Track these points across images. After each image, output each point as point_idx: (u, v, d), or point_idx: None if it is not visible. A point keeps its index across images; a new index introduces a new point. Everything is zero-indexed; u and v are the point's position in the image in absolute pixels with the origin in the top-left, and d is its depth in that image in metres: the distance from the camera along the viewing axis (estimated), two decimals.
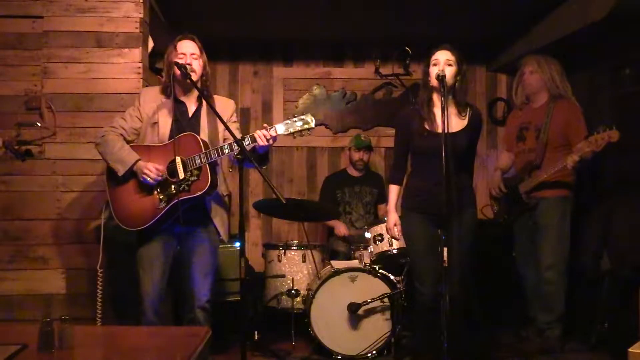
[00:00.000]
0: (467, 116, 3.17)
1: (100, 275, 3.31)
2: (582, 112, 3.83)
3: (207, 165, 2.88)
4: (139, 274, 2.99)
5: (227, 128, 2.84)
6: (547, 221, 3.78)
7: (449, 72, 3.05)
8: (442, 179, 2.88)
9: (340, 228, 4.62)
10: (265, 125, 2.91)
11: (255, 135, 2.87)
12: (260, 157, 2.94)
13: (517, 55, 4.86)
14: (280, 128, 2.89)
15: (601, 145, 3.43)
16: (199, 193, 2.88)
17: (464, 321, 3.22)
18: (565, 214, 3.79)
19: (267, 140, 2.85)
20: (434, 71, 3.07)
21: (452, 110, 3.12)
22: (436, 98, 3.14)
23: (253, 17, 4.61)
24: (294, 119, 2.89)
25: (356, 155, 4.85)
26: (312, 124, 2.88)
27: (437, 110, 3.08)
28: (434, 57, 3.13)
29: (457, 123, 3.14)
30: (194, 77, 2.95)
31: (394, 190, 3.31)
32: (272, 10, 4.45)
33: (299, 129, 2.88)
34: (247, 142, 2.87)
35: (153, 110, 3.05)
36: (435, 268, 3.07)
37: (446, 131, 2.93)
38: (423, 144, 3.14)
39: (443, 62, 3.08)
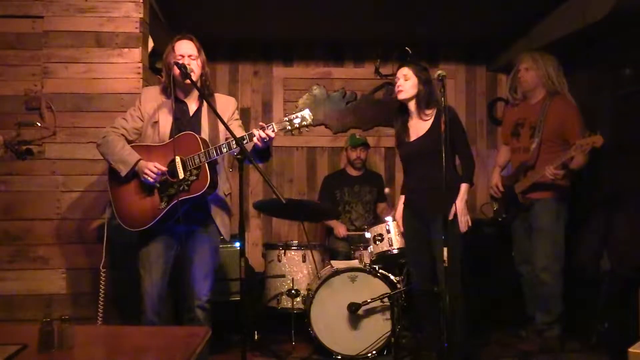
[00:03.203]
0: (431, 117, 3.37)
1: (103, 274, 3.32)
2: (577, 109, 3.81)
3: (206, 164, 2.88)
4: (140, 273, 3.00)
5: (227, 128, 2.84)
6: (541, 223, 3.78)
7: (408, 85, 3.35)
8: (421, 181, 3.35)
9: (340, 229, 4.63)
10: (261, 123, 2.88)
11: (253, 133, 2.85)
12: (260, 152, 2.93)
13: (517, 55, 4.85)
14: (277, 127, 2.85)
15: (586, 149, 3.47)
16: (198, 193, 2.87)
17: (461, 319, 3.23)
18: (559, 216, 3.78)
19: (264, 140, 2.84)
20: (396, 88, 3.41)
21: (416, 118, 3.40)
22: (407, 109, 3.44)
23: (253, 17, 4.60)
24: (292, 116, 2.85)
25: (353, 154, 4.86)
26: (310, 120, 2.84)
27: (410, 121, 3.44)
28: (396, 76, 3.43)
29: (421, 127, 3.39)
30: (193, 77, 2.94)
31: (401, 200, 3.62)
32: (272, 10, 4.45)
33: (297, 126, 2.84)
34: (245, 141, 2.85)
35: (154, 109, 3.05)
36: (421, 263, 3.40)
37: (411, 139, 3.40)
38: (401, 152, 3.53)
39: (402, 77, 3.37)
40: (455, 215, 3.24)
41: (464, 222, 3.28)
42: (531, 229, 3.84)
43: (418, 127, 3.39)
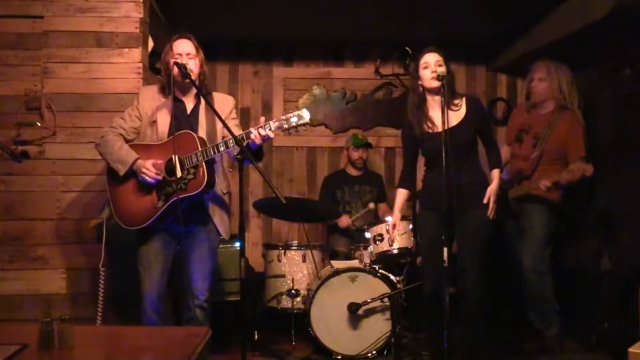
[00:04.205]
0: (464, 105, 3.23)
1: (102, 274, 3.32)
2: (584, 127, 3.79)
3: (203, 163, 2.88)
4: (139, 272, 3.00)
5: (225, 126, 2.84)
6: (528, 225, 3.80)
7: (441, 71, 3.10)
8: (451, 175, 2.98)
9: (342, 218, 4.63)
10: (262, 118, 2.88)
11: (251, 132, 2.86)
12: (254, 152, 2.92)
13: (517, 55, 4.87)
14: (274, 126, 2.85)
15: (577, 175, 3.49)
16: (195, 191, 2.88)
17: (482, 322, 3.23)
18: (548, 220, 3.78)
19: (263, 139, 2.84)
20: (425, 74, 3.16)
21: (441, 109, 3.12)
22: (430, 99, 3.23)
23: (253, 17, 4.60)
24: (289, 115, 2.85)
25: (355, 154, 4.86)
26: (307, 119, 2.83)
27: (433, 112, 3.21)
28: (423, 61, 3.20)
29: (454, 116, 3.19)
30: (192, 76, 2.95)
31: (400, 194, 3.42)
32: (272, 10, 4.45)
33: (294, 125, 2.83)
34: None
35: (152, 109, 3.06)
36: (437, 265, 3.12)
37: (439, 130, 3.07)
38: (428, 147, 3.25)
39: (434, 64, 3.14)
40: (480, 213, 3.19)
41: (494, 209, 3.20)
42: (522, 230, 3.86)
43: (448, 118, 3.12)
